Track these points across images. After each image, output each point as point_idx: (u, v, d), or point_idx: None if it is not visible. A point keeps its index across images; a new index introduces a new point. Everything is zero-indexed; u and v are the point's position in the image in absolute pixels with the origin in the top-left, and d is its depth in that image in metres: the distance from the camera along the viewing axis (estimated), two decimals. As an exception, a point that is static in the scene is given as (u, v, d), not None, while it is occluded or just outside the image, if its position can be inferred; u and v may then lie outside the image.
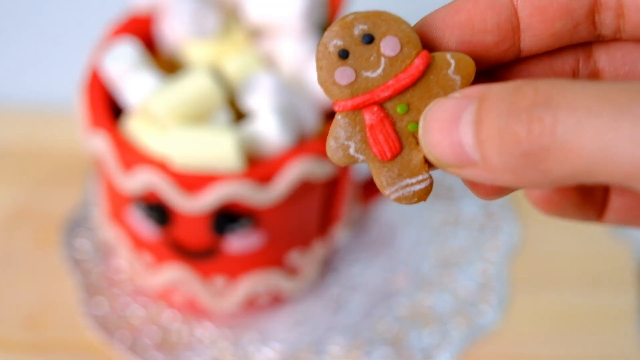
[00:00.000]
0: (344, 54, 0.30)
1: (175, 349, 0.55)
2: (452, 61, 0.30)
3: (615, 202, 0.32)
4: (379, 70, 0.30)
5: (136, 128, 0.50)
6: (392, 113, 0.30)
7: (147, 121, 0.50)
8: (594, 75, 0.31)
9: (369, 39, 0.30)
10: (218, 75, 0.50)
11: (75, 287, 0.57)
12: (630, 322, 0.57)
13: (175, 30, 0.53)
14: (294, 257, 0.55)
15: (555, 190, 0.32)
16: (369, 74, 0.30)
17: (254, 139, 0.49)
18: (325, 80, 0.30)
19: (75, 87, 0.57)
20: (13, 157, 0.63)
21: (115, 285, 0.58)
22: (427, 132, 0.28)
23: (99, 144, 0.51)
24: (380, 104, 0.30)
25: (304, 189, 0.51)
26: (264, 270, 0.54)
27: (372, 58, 0.30)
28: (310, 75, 0.52)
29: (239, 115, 0.52)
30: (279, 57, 0.53)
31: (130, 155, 0.50)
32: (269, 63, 0.53)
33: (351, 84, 0.30)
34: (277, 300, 0.56)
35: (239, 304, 0.55)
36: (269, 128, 0.49)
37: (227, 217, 0.50)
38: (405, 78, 0.30)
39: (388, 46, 0.30)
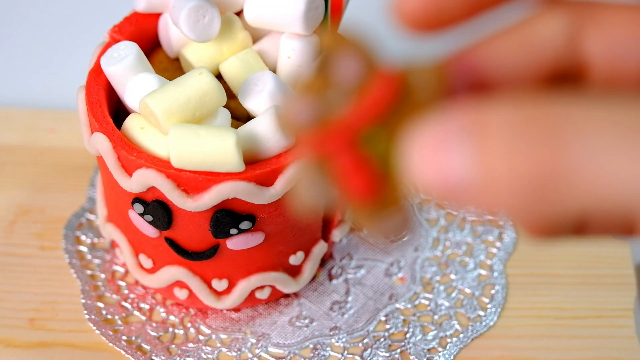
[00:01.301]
0: (301, 89, 0.25)
1: (175, 349, 0.55)
2: (420, 73, 0.26)
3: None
4: (342, 100, 0.25)
5: (136, 128, 0.50)
6: (362, 144, 0.25)
7: (147, 121, 0.50)
8: (582, 65, 0.28)
9: (326, 66, 0.25)
10: (218, 75, 0.50)
11: (75, 287, 0.57)
12: (630, 322, 0.57)
13: (175, 31, 0.53)
14: (294, 257, 0.55)
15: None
16: (330, 106, 0.25)
17: (254, 139, 0.49)
18: (284, 123, 0.25)
19: (75, 87, 0.58)
20: (14, 157, 0.63)
21: (115, 285, 0.58)
22: (415, 160, 0.24)
23: (99, 144, 0.51)
24: (349, 136, 0.25)
25: (304, 189, 0.51)
26: (264, 270, 0.54)
27: (332, 88, 0.25)
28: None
29: (239, 115, 0.52)
30: (278, 57, 0.53)
31: (130, 155, 0.50)
32: (269, 63, 0.53)
33: (314, 121, 0.25)
34: (277, 300, 0.56)
35: (239, 304, 0.55)
36: (269, 128, 0.49)
37: (227, 217, 0.50)
38: (372, 104, 0.25)
39: (348, 71, 0.25)
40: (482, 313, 0.57)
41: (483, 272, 0.59)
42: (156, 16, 0.54)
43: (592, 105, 0.23)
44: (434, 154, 0.24)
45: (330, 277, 0.59)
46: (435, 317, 0.57)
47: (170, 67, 0.54)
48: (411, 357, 0.55)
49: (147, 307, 0.57)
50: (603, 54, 0.28)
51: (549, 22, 0.28)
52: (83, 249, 0.59)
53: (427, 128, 0.24)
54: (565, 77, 0.28)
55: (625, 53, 0.28)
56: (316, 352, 0.55)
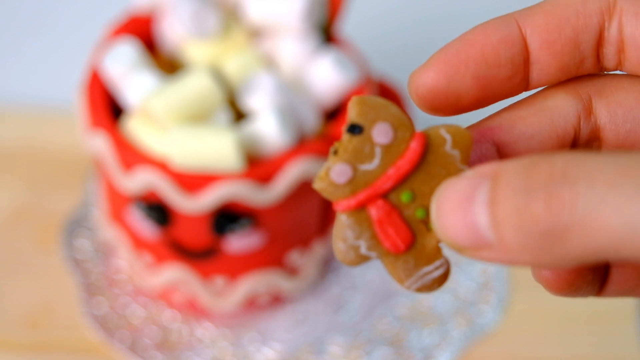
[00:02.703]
0: (335, 151, 0.28)
1: (175, 349, 0.55)
2: (448, 136, 0.29)
3: (616, 275, 0.31)
4: (376, 161, 0.28)
5: (136, 128, 0.50)
6: (397, 203, 0.29)
7: (147, 121, 0.50)
8: (595, 132, 0.30)
9: (358, 129, 0.28)
10: (218, 75, 0.50)
11: (75, 287, 0.57)
12: (630, 322, 0.57)
13: (175, 30, 0.53)
14: (294, 257, 0.55)
15: (570, 269, 0.30)
16: (366, 166, 0.28)
17: (254, 139, 0.49)
18: (323, 182, 0.29)
19: (75, 87, 0.57)
20: (13, 157, 0.63)
21: (115, 285, 0.58)
22: (441, 215, 0.27)
23: (99, 144, 0.51)
24: (384, 195, 0.29)
25: (304, 189, 0.51)
26: (264, 270, 0.54)
27: (366, 149, 0.28)
28: (310, 75, 0.52)
29: (239, 115, 0.52)
30: (279, 57, 0.53)
31: (130, 155, 0.50)
32: (269, 63, 0.53)
33: (350, 181, 0.28)
34: (277, 300, 0.56)
35: (239, 304, 0.55)
36: (269, 128, 0.49)
37: (227, 217, 0.50)
38: (404, 165, 0.28)
39: (380, 133, 0.28)
40: (483, 313, 0.57)
41: (485, 271, 0.59)
42: (156, 14, 0.54)
43: (598, 158, 0.25)
44: (460, 208, 0.26)
45: (330, 277, 0.59)
46: (436, 316, 0.57)
47: (170, 66, 0.54)
48: (411, 357, 0.55)
49: (147, 307, 0.57)
50: (610, 122, 0.30)
51: (561, 95, 0.30)
52: (81, 249, 0.59)
53: (453, 184, 0.27)
54: (585, 146, 0.30)
55: (629, 120, 0.30)
56: (316, 352, 0.55)
